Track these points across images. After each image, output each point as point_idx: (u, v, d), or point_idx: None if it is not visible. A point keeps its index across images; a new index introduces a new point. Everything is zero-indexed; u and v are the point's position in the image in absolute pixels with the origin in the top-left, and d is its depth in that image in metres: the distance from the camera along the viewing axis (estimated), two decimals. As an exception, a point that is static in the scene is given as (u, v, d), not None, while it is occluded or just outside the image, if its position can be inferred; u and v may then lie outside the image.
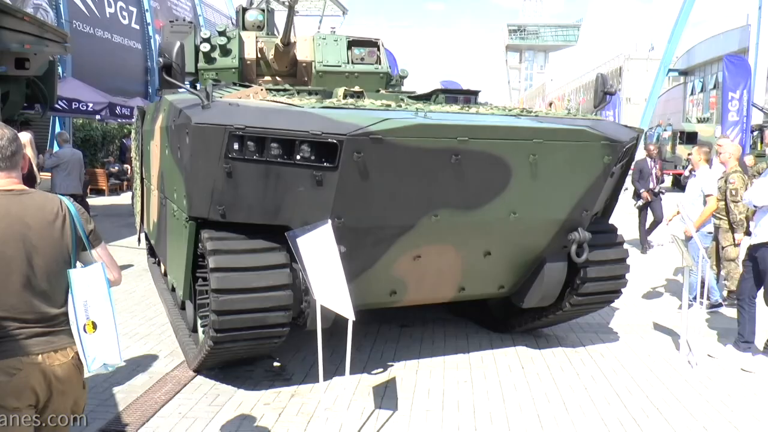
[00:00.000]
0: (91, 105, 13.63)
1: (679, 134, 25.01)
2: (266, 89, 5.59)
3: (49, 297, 2.33)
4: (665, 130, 26.48)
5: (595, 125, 4.69)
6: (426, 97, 6.25)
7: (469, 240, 4.67)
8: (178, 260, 4.90)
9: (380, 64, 7.37)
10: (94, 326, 2.30)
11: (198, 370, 5.00)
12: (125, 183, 17.84)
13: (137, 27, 21.84)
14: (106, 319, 2.33)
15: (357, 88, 5.62)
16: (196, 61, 7.21)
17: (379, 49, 7.44)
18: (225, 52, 7.03)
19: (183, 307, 6.29)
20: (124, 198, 16.35)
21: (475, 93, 6.24)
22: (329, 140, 3.76)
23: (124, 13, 20.98)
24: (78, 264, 2.41)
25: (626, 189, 7.84)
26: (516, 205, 4.54)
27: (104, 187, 16.79)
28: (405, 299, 5.02)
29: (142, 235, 8.61)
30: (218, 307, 4.10)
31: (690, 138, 24.12)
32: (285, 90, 5.92)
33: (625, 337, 6.30)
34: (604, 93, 5.57)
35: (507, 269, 5.15)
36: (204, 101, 4.23)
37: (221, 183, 4.09)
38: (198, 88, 7.32)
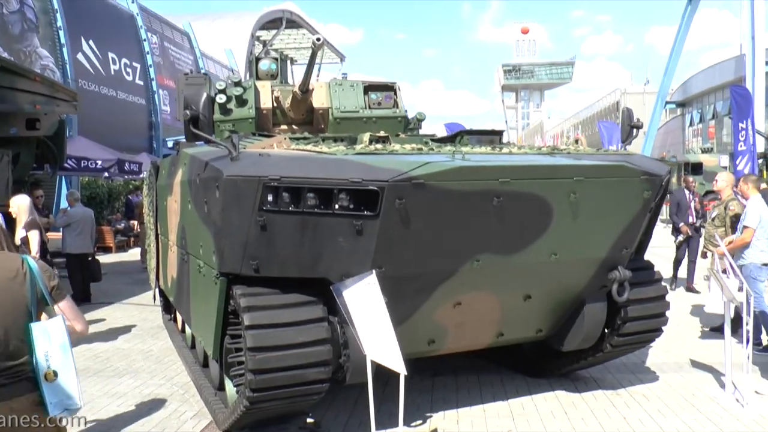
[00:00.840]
0: (99, 162, 13.60)
1: (683, 165, 25.00)
2: (289, 138, 5.50)
3: (7, 350, 2.49)
4: (670, 161, 26.50)
5: (630, 160, 4.59)
6: (450, 140, 6.16)
7: (510, 284, 4.52)
8: (206, 318, 4.73)
9: (398, 108, 7.32)
10: (55, 374, 2.51)
11: (229, 431, 4.78)
12: (132, 239, 17.71)
13: (141, 83, 22.06)
14: (66, 368, 2.55)
15: (382, 133, 5.53)
16: (212, 112, 7.16)
17: (395, 93, 7.40)
18: (241, 102, 6.96)
19: (206, 365, 6.08)
20: (132, 255, 16.20)
21: (500, 133, 6.17)
22: (370, 187, 3.64)
23: (128, 70, 21.22)
24: (43, 317, 2.62)
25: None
26: (557, 246, 4.40)
27: (111, 245, 16.63)
28: (444, 348, 4.84)
29: (157, 291, 8.46)
30: (255, 366, 3.91)
31: (695, 169, 24.11)
32: (306, 138, 5.84)
33: (663, 376, 6.08)
34: (630, 127, 5.49)
35: (546, 312, 4.98)
36: (233, 152, 4.12)
37: (255, 237, 3.95)
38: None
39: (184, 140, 6.89)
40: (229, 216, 4.02)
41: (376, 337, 3.58)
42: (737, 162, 15.95)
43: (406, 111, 7.48)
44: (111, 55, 20.23)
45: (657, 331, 5.45)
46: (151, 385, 6.10)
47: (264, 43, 47.74)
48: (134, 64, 21.83)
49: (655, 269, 5.48)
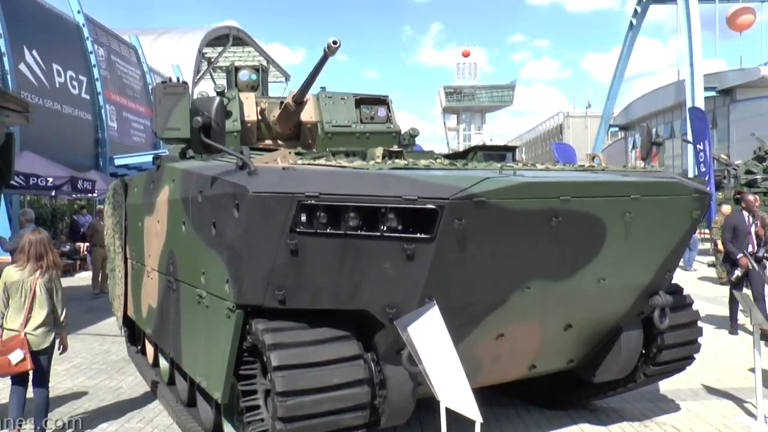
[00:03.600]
0: (51, 180, 12.57)
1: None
2: (294, 153, 4.98)
3: None
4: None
5: (676, 177, 4.30)
6: (462, 156, 5.76)
7: (554, 313, 4.12)
8: (211, 356, 4.13)
9: (391, 122, 6.89)
10: None
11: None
12: (78, 263, 16.59)
13: (87, 97, 20.89)
14: None
15: (396, 148, 5.08)
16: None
17: (389, 107, 6.97)
18: (225, 114, 6.39)
19: (190, 404, 5.44)
20: (80, 279, 15.11)
21: (513, 149, 5.80)
22: (428, 206, 3.16)
23: (74, 83, 20.04)
24: None
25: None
26: (606, 270, 4.03)
27: (56, 268, 15.50)
28: (475, 382, 4.36)
29: (121, 321, 7.68)
30: (286, 413, 3.36)
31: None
32: (304, 153, 5.33)
33: (684, 404, 5.79)
34: (650, 143, 5.25)
35: (582, 342, 4.60)
36: (250, 166, 3.59)
37: (283, 263, 3.42)
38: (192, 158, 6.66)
39: (154, 157, 6.22)
40: (252, 239, 3.47)
41: (447, 379, 3.09)
42: (700, 183, 16.23)
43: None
44: (56, 66, 19.07)
45: (690, 359, 5.15)
46: (130, 430, 5.39)
47: (209, 60, 46.74)
48: (80, 77, 20.65)
49: (686, 293, 5.21)
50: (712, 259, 15.13)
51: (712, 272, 14.80)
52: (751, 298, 7.63)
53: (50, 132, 17.33)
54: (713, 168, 17.06)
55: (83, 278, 14.92)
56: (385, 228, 3.27)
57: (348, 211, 3.28)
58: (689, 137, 19.01)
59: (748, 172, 19.35)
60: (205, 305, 4.27)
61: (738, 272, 8.26)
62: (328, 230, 3.32)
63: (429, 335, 3.11)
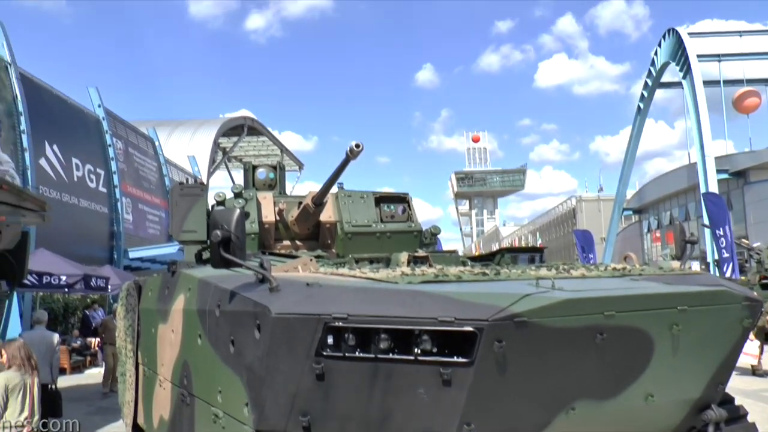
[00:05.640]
0: (64, 278, 12.46)
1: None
2: (315, 259, 4.79)
3: None
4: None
5: (721, 283, 4.05)
6: (489, 258, 5.55)
7: (599, 434, 3.77)
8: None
9: (412, 221, 6.73)
10: None
11: None
12: (89, 359, 16.22)
13: (104, 190, 21.14)
14: None
15: (420, 252, 4.89)
16: (209, 226, 6.44)
17: (409, 205, 6.84)
18: (245, 227, 6.27)
19: None
20: (90, 377, 14.72)
21: (541, 250, 5.59)
22: (466, 328, 2.93)
23: (92, 176, 20.34)
24: None
25: None
26: (654, 386, 3.72)
27: (66, 366, 15.06)
28: None
29: (130, 428, 7.30)
30: None
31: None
32: (324, 257, 5.15)
33: None
34: (685, 242, 5.04)
35: (627, 462, 4.21)
36: (272, 282, 3.39)
37: (308, 388, 3.16)
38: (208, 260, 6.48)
39: (172, 258, 6.04)
40: (274, 361, 3.23)
41: None
42: (725, 269, 15.87)
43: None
44: (75, 160, 19.40)
45: (747, 476, 4.71)
46: None
47: (224, 150, 47.73)
48: (98, 170, 20.99)
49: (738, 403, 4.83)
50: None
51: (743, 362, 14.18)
52: None
53: (66, 226, 17.42)
54: (735, 252, 16.74)
55: (93, 375, 14.55)
56: (419, 351, 3.03)
57: (379, 333, 3.04)
58: (705, 220, 18.83)
59: (772, 256, 19.00)
60: (221, 426, 3.96)
61: None
62: (356, 353, 3.08)
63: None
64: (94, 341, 16.24)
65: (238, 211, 3.67)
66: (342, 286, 3.38)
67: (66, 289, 13.24)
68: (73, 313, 18.20)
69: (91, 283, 13.17)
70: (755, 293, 4.35)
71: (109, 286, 14.20)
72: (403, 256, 4.78)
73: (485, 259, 5.59)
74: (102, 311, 17.66)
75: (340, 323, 3.04)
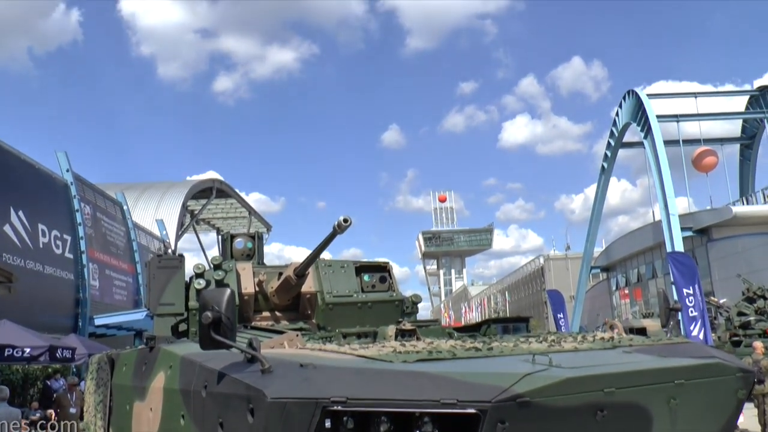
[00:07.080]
0: (28, 350, 11.95)
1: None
2: (301, 334, 4.69)
3: None
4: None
5: (713, 354, 4.07)
6: (475, 329, 5.51)
7: None
8: None
9: (393, 291, 6.67)
10: None
11: None
12: (49, 433, 15.44)
13: (71, 256, 20.65)
14: None
15: (408, 326, 4.82)
16: (187, 299, 6.30)
17: (390, 274, 6.79)
18: (222, 287, 6.15)
19: None
20: (50, 452, 13.97)
21: (526, 320, 5.58)
22: (469, 410, 2.86)
23: (58, 242, 19.88)
24: None
25: None
26: (654, 461, 3.67)
27: (24, 440, 14.34)
28: None
29: None
30: None
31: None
32: (306, 331, 5.06)
33: None
34: (669, 309, 5.12)
35: None
36: (264, 364, 3.30)
37: (305, 475, 3.02)
38: (185, 332, 6.31)
39: (148, 338, 5.86)
40: (269, 448, 3.09)
41: None
42: (691, 328, 15.97)
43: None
44: (41, 226, 18.99)
45: None
46: None
47: (192, 213, 47.37)
48: (65, 236, 20.55)
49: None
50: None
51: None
52: None
53: (29, 294, 16.89)
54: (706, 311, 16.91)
55: (54, 452, 13.81)
56: (419, 434, 2.94)
57: (379, 416, 2.96)
58: (672, 278, 19.19)
59: (741, 314, 19.29)
60: None
61: None
62: (355, 437, 2.97)
63: None
64: (53, 413, 15.52)
65: (228, 291, 3.59)
66: (338, 368, 3.29)
67: (29, 362, 12.71)
68: (32, 384, 17.44)
69: (57, 354, 12.66)
70: (740, 360, 4.38)
71: (77, 357, 13.68)
72: (390, 330, 4.72)
73: (470, 329, 5.54)
74: (63, 380, 16.96)
75: (339, 407, 2.94)
